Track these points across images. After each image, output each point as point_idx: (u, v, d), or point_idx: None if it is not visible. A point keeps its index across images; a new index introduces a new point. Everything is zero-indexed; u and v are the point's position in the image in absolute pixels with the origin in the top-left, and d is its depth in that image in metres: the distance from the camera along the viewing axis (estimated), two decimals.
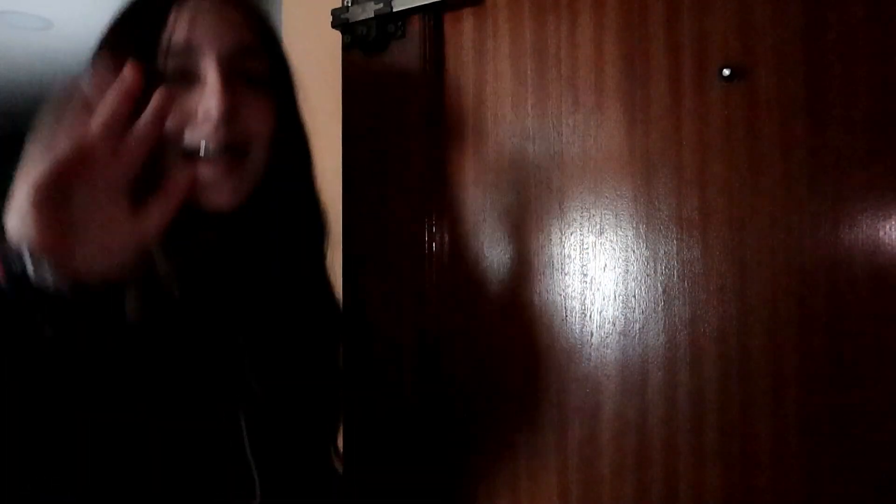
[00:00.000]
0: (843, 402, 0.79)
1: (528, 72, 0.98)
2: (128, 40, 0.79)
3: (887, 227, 0.77)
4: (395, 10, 1.01)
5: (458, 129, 1.03)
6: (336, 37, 1.11)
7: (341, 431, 1.06)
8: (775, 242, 0.83)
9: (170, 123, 0.72)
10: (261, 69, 0.83)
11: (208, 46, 0.79)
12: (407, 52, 1.04)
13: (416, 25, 1.03)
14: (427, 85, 1.03)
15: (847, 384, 0.79)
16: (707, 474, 0.85)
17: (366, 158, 1.07)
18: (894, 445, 0.77)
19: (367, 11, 1.03)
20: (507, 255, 0.99)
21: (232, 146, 0.78)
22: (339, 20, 1.06)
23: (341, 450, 1.06)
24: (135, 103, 0.66)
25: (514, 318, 0.98)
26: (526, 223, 0.97)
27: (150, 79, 0.70)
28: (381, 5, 1.02)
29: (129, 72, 0.65)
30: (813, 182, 0.81)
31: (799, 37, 0.82)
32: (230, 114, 0.77)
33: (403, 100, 1.04)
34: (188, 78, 0.79)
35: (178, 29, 0.78)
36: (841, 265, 0.79)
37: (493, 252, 1.00)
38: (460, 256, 1.02)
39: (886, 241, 0.77)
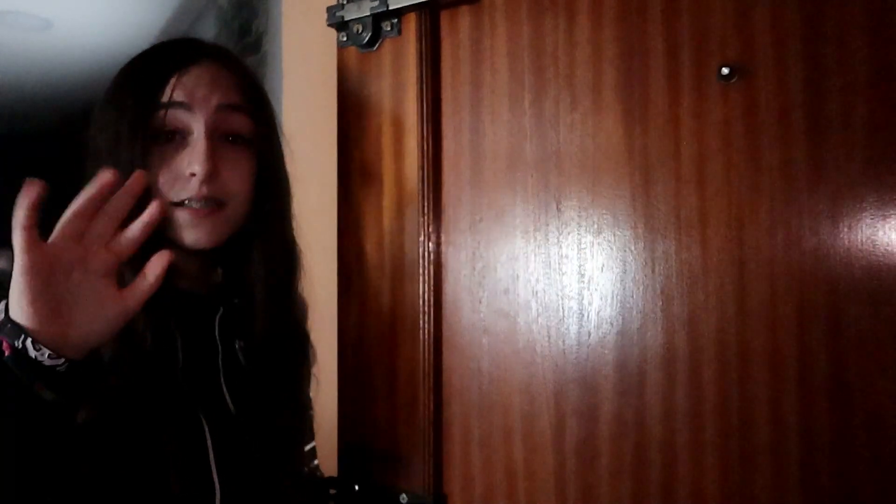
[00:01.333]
0: (843, 403, 0.78)
1: (526, 70, 0.97)
2: (129, 99, 0.91)
3: (887, 226, 0.76)
4: (390, 7, 1.00)
5: (454, 128, 1.02)
6: (332, 35, 1.10)
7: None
8: (774, 242, 0.82)
9: (161, 181, 0.89)
10: (245, 127, 0.94)
11: (199, 108, 0.90)
12: (403, 49, 1.03)
13: (411, 23, 1.02)
14: (423, 83, 1.02)
15: (847, 384, 0.78)
16: (705, 475, 0.85)
17: (361, 157, 1.06)
18: (894, 447, 0.76)
19: (363, 9, 1.02)
20: (504, 255, 0.98)
21: (213, 199, 0.90)
22: (335, 18, 1.06)
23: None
24: (136, 202, 0.77)
25: (511, 319, 0.97)
26: (523, 223, 0.97)
27: (147, 133, 0.88)
28: (377, 3, 1.01)
29: (135, 182, 0.77)
30: (812, 181, 0.80)
31: (798, 36, 0.81)
32: (213, 173, 0.89)
33: (399, 98, 1.03)
34: (181, 133, 0.91)
35: (176, 91, 0.89)
36: (841, 265, 0.79)
37: (490, 252, 0.99)
38: (457, 256, 1.02)
39: (886, 240, 0.76)
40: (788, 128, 0.81)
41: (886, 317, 0.77)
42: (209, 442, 0.88)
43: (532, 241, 0.96)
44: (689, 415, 0.86)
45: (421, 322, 1.01)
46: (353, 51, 1.07)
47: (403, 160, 1.03)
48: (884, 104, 0.77)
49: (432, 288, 1.01)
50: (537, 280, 0.96)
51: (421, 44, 1.01)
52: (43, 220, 0.71)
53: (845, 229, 0.78)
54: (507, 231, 0.98)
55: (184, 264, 0.92)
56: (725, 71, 0.84)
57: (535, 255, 0.96)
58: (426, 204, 1.01)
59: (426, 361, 1.01)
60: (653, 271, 0.88)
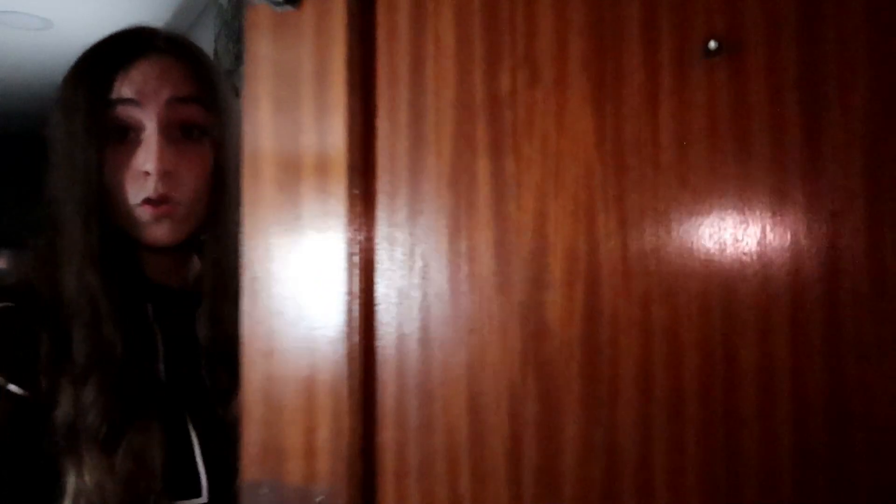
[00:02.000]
0: (840, 408, 0.70)
1: (477, 39, 0.83)
2: (79, 99, 0.90)
3: (892, 223, 0.69)
4: None
5: (389, 105, 0.87)
6: None
7: None
8: (766, 238, 0.73)
9: (122, 180, 0.89)
10: (201, 119, 0.93)
11: (149, 103, 0.89)
12: (328, 9, 0.86)
13: None
14: (352, 51, 0.86)
15: (845, 384, 0.70)
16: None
17: (275, 136, 0.89)
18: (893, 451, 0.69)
19: None
20: (450, 253, 0.84)
21: (169, 197, 0.90)
22: None
23: None
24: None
25: (457, 326, 0.83)
26: (473, 216, 0.83)
27: (99, 132, 0.87)
28: None
29: None
30: (809, 170, 0.72)
31: (793, 6, 0.73)
32: (168, 170, 0.89)
33: (322, 69, 0.87)
34: (135, 130, 0.90)
35: (124, 87, 0.89)
36: (840, 261, 0.70)
37: (433, 249, 0.85)
38: (392, 254, 0.87)
39: (889, 233, 0.69)
40: (782, 110, 0.73)
41: (890, 312, 0.69)
42: (194, 439, 0.87)
43: (484, 236, 0.83)
44: (667, 433, 0.75)
45: (347, 330, 0.85)
46: (265, 8, 0.89)
47: (327, 141, 0.86)
48: (887, 83, 0.70)
49: (362, 290, 0.85)
50: (489, 281, 0.82)
51: (351, 3, 0.85)
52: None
53: (845, 222, 0.71)
54: (453, 225, 0.84)
55: (154, 260, 0.94)
56: (713, 45, 0.74)
57: (488, 253, 0.82)
58: (355, 193, 0.85)
59: (353, 377, 0.85)
60: (627, 271, 0.77)
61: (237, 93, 1.40)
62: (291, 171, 0.88)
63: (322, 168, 0.87)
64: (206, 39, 3.24)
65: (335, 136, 0.86)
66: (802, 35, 0.73)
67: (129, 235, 0.92)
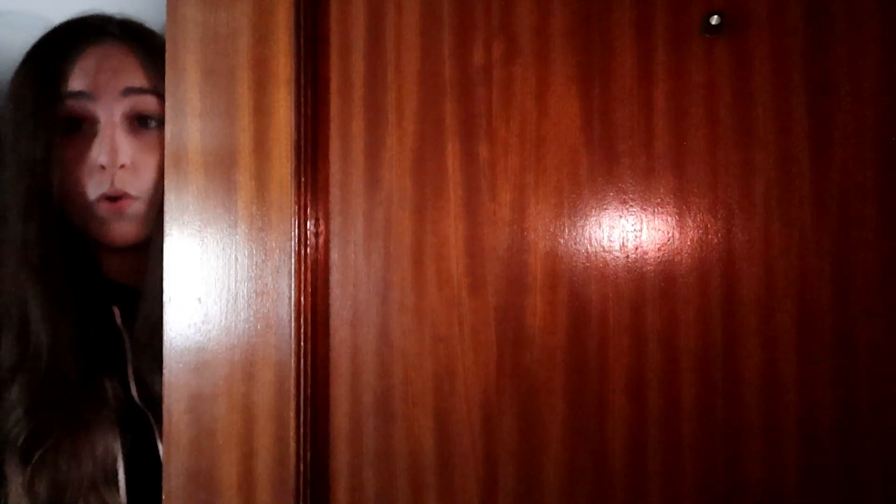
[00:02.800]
0: (850, 427, 0.64)
1: (445, 5, 0.73)
2: (27, 91, 0.84)
3: None
4: None
5: (343, 80, 0.75)
6: None
7: None
8: (769, 232, 0.66)
9: (80, 175, 0.84)
10: (156, 108, 0.89)
11: (102, 95, 0.85)
12: None
13: None
14: (300, 15, 0.73)
15: (851, 381, 0.64)
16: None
17: (204, 116, 0.76)
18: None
19: None
20: (415, 251, 0.73)
21: (127, 191, 0.85)
22: None
23: None
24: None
25: (423, 333, 0.73)
26: (443, 208, 0.73)
27: (48, 125, 0.82)
28: None
29: None
30: (816, 158, 0.66)
31: None
32: (123, 162, 0.85)
33: (265, 34, 0.74)
34: (88, 122, 0.86)
35: (76, 79, 0.84)
36: (848, 255, 0.65)
37: (395, 246, 0.74)
38: (346, 252, 0.75)
39: None
40: (787, 93, 0.66)
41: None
42: (158, 439, 0.83)
43: (454, 231, 0.72)
44: (662, 453, 0.68)
45: (294, 342, 0.72)
46: None
47: (270, 121, 0.73)
48: None
49: (311, 293, 0.73)
50: (460, 282, 0.72)
51: None
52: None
53: (854, 214, 0.64)
54: (420, 218, 0.73)
55: (118, 260, 0.89)
56: (715, 20, 0.67)
57: (458, 250, 0.72)
58: (303, 182, 0.73)
59: (302, 396, 0.72)
60: (617, 267, 0.69)
61: None
62: (224, 156, 0.75)
63: (262, 152, 0.74)
64: None
65: (278, 114, 0.73)
66: (809, 5, 0.66)
67: (87, 235, 0.86)
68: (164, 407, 0.76)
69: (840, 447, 0.65)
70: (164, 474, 0.76)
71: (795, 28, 0.66)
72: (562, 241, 0.70)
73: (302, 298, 0.73)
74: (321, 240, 0.74)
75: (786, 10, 0.67)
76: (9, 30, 3.42)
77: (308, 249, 0.73)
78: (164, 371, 0.76)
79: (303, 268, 0.73)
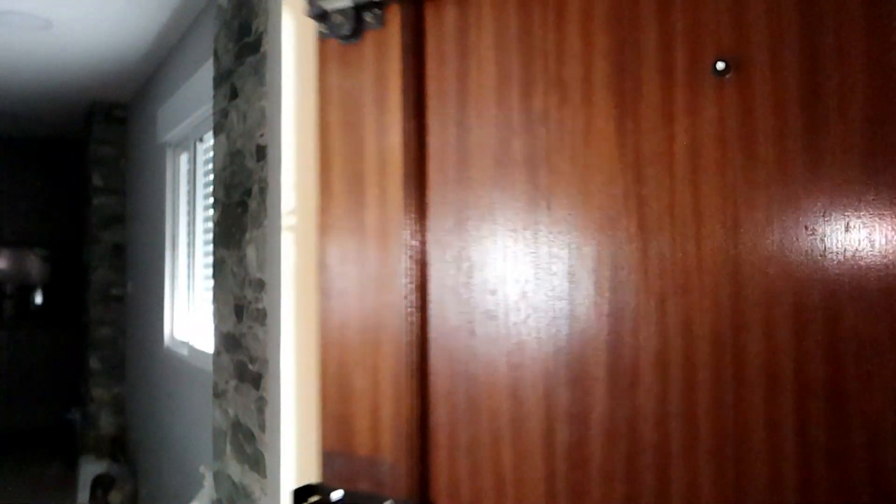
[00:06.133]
0: (838, 406, 0.76)
1: (514, 64, 0.94)
2: None
3: (885, 225, 0.74)
4: None
5: (439, 124, 0.99)
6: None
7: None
8: (771, 242, 0.79)
9: None
10: None
11: None
12: (386, 42, 0.99)
13: (395, 14, 0.99)
14: (406, 77, 0.99)
15: (843, 387, 0.75)
16: (700, 479, 0.82)
17: (343, 152, 1.04)
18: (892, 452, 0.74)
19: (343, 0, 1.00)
20: (492, 255, 0.95)
21: None
22: (316, 8, 1.02)
23: None
24: None
25: (499, 320, 0.94)
26: (512, 222, 0.94)
27: None
28: None
29: None
30: (809, 178, 0.78)
31: (794, 28, 0.79)
32: None
33: (382, 92, 1.00)
34: None
35: None
36: (841, 265, 0.76)
37: (477, 251, 0.96)
38: (442, 255, 0.99)
39: (883, 239, 0.74)
40: (784, 123, 0.79)
41: (883, 317, 0.74)
42: None
43: (521, 240, 0.93)
44: (683, 417, 0.83)
45: (405, 324, 0.98)
46: (333, 43, 1.04)
47: (386, 156, 1.00)
48: (882, 97, 0.75)
49: (417, 288, 0.98)
50: (527, 280, 0.93)
51: (404, 36, 0.98)
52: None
53: (842, 228, 0.76)
54: (494, 230, 0.95)
55: None
56: (721, 65, 0.81)
57: (525, 255, 0.93)
58: (410, 201, 0.98)
59: (410, 364, 0.98)
60: (646, 271, 0.85)
61: (235, 94, 1.54)
62: (356, 183, 1.02)
63: (382, 181, 1.00)
64: (205, 39, 3.25)
65: (393, 152, 0.99)
66: (803, 49, 0.78)
67: None
68: (321, 371, 1.05)
69: None
70: (321, 419, 1.05)
71: (790, 69, 0.79)
72: (603, 245, 0.88)
73: (410, 289, 0.98)
74: (423, 247, 0.99)
75: (782, 55, 0.79)
76: (9, 30, 3.56)
77: (414, 254, 0.98)
78: (321, 346, 1.05)
79: (409, 269, 0.98)
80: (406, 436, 0.98)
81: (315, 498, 1.03)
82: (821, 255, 0.76)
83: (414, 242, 0.98)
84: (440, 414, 0.98)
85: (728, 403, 0.81)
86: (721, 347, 0.81)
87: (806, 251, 0.77)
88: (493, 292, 0.95)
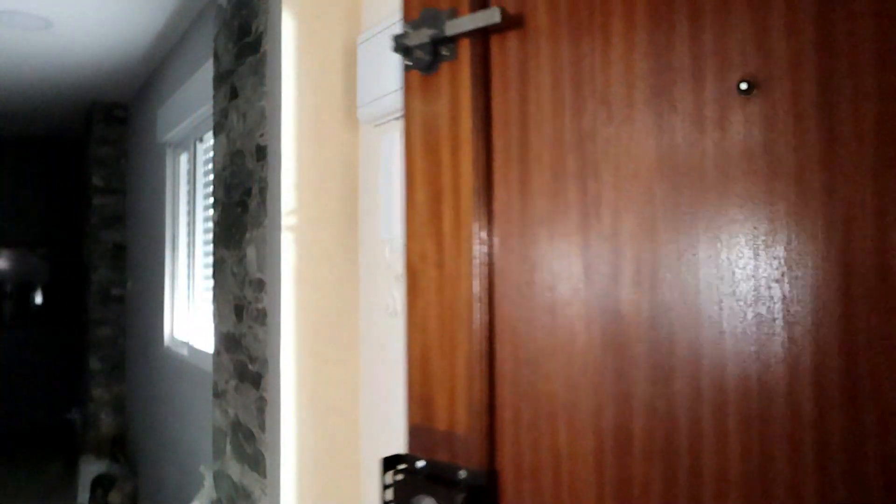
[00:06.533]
0: (855, 398, 0.83)
1: (566, 88, 1.08)
2: None
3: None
4: (447, 34, 1.13)
5: (504, 143, 1.14)
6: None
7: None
8: (792, 254, 0.88)
9: None
10: None
11: None
12: (458, 72, 1.15)
13: (465, 48, 1.14)
14: (476, 102, 1.14)
15: (862, 400, 0.83)
16: (729, 460, 0.92)
17: (424, 169, 1.19)
18: None
19: (423, 36, 1.15)
20: (549, 257, 1.09)
21: None
22: (400, 44, 1.18)
23: None
24: None
25: (555, 314, 1.09)
26: (566, 228, 1.08)
27: None
28: (435, 30, 1.13)
29: None
30: (827, 192, 0.86)
31: (811, 49, 0.87)
32: None
33: (455, 116, 1.16)
34: None
35: None
36: (856, 275, 0.83)
37: (537, 254, 1.10)
38: (507, 258, 1.13)
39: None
40: (802, 139, 0.87)
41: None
42: None
43: (574, 244, 1.07)
44: (713, 403, 0.93)
45: (476, 316, 1.13)
46: (415, 74, 1.19)
47: (460, 171, 1.15)
48: (892, 115, 0.81)
49: (486, 286, 1.13)
50: (578, 280, 1.06)
51: (474, 66, 1.13)
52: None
53: (858, 238, 0.83)
54: (551, 235, 1.09)
55: None
56: (744, 85, 0.90)
57: (576, 257, 1.06)
58: (480, 211, 1.13)
59: (480, 351, 1.13)
60: (684, 277, 0.96)
61: (235, 94, 1.61)
62: (435, 195, 1.17)
63: (455, 193, 1.15)
64: (205, 39, 3.29)
65: (465, 167, 1.15)
66: (819, 70, 0.86)
67: None
68: (408, 358, 1.20)
69: None
70: (407, 398, 1.19)
71: (808, 87, 0.87)
72: (644, 248, 1.01)
73: (479, 287, 1.12)
74: (490, 250, 1.14)
75: (801, 74, 0.88)
76: (9, 30, 3.55)
77: (484, 257, 1.13)
78: (407, 337, 1.19)
79: (480, 269, 1.12)
80: (477, 414, 1.12)
81: (403, 466, 1.18)
82: (837, 266, 0.84)
83: (483, 247, 1.13)
84: (505, 395, 1.13)
85: (753, 391, 0.90)
86: (746, 352, 0.90)
87: (822, 261, 0.86)
88: (550, 289, 1.09)
